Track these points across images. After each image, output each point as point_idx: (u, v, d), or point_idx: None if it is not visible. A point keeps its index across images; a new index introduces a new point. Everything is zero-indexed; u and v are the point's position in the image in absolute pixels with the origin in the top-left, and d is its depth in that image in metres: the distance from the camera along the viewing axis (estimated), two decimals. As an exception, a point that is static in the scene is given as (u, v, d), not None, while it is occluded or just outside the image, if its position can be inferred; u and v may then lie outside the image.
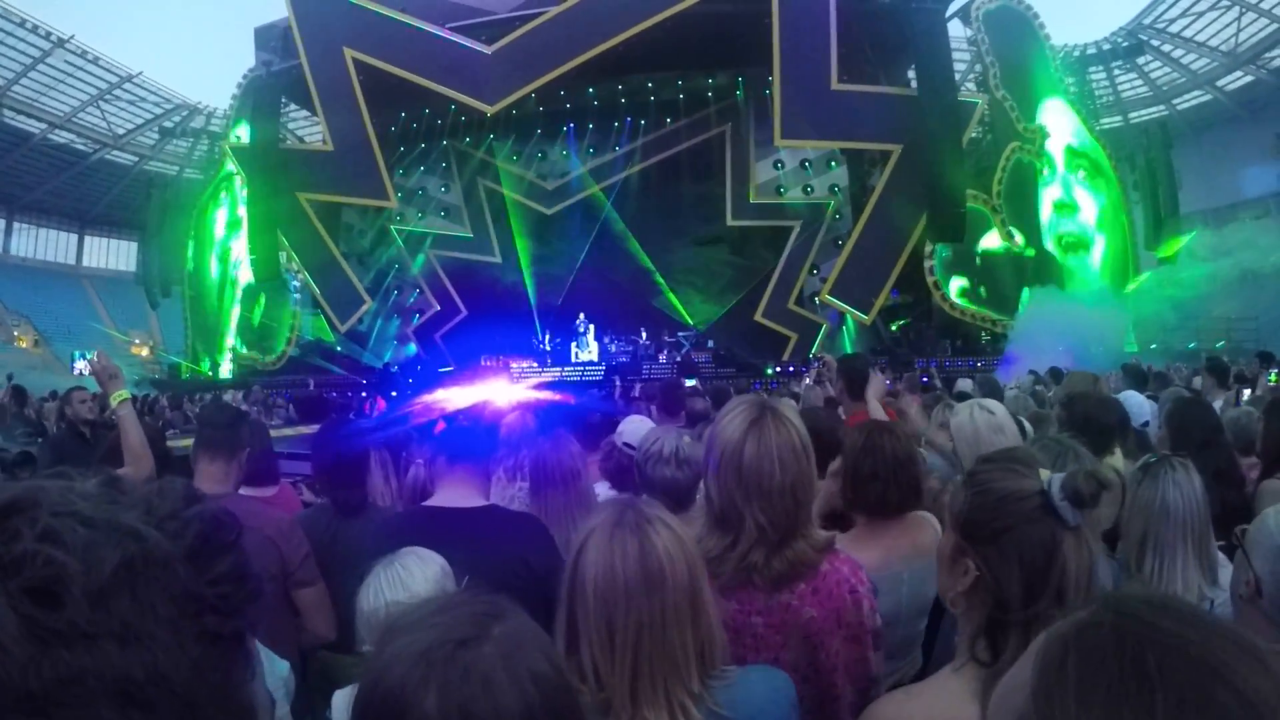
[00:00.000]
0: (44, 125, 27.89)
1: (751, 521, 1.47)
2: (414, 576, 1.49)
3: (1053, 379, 7.61)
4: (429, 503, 2.14)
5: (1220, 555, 1.82)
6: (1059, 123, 17.42)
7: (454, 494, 2.08)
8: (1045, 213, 16.58)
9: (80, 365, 9.77)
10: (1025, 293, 15.41)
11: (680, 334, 16.10)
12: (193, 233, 19.71)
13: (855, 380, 3.57)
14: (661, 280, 17.75)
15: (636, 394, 5.57)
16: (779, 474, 1.47)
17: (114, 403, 2.55)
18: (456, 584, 1.52)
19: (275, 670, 1.69)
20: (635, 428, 3.06)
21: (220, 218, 19.48)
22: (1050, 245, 16.46)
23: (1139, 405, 3.42)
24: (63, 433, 5.14)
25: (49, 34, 24.77)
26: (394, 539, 1.96)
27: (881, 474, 2.03)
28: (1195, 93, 26.85)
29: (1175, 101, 27.30)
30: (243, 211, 17.94)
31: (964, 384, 6.84)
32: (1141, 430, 3.25)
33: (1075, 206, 17.13)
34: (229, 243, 19.15)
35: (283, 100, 18.41)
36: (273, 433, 3.89)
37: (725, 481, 1.50)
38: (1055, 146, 17.11)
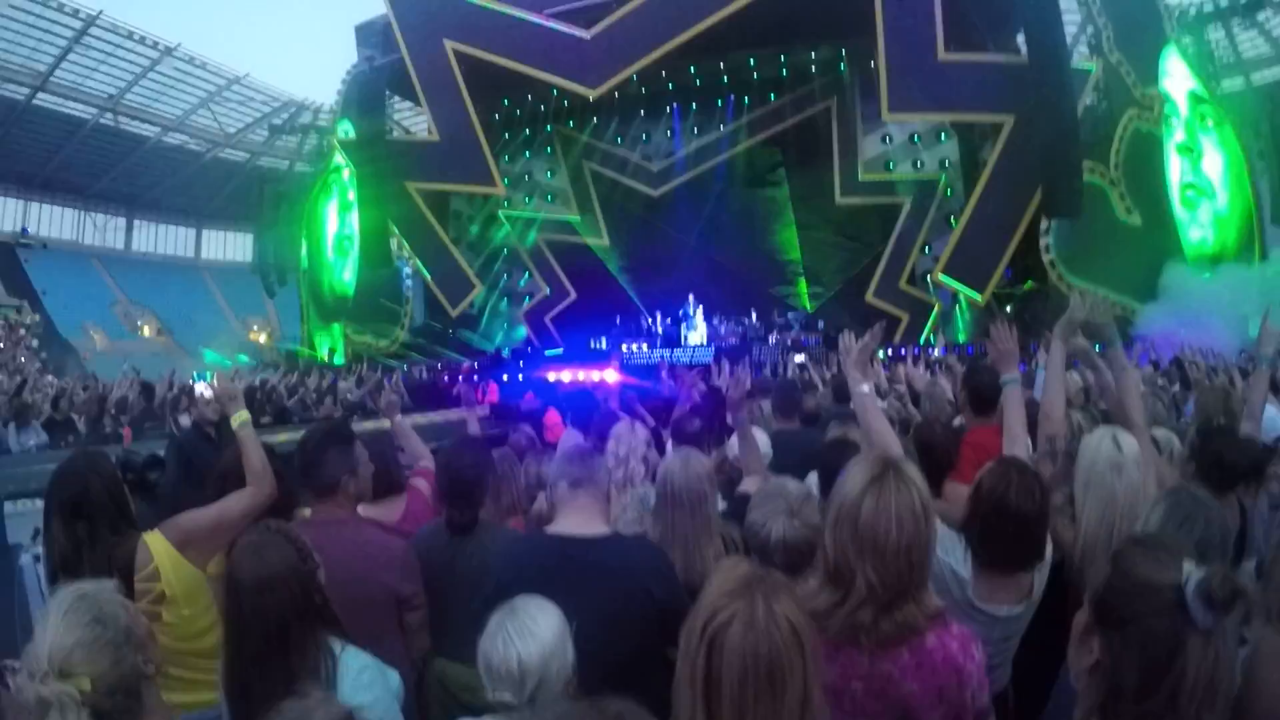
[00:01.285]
0: (158, 129, 29.73)
1: (863, 579, 1.46)
2: (540, 625, 1.53)
3: (1176, 371, 7.19)
4: (551, 529, 2.13)
5: None
6: (1179, 70, 16.34)
7: (576, 520, 2.07)
8: (1173, 164, 15.45)
9: (200, 387, 10.39)
10: (1158, 272, 14.56)
11: (790, 314, 15.97)
12: (305, 223, 20.62)
13: (982, 395, 3.33)
14: (794, 254, 17.48)
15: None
16: (895, 534, 1.45)
17: (234, 424, 2.54)
18: (568, 626, 1.57)
19: (389, 682, 1.75)
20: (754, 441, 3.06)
21: (331, 209, 20.31)
22: (1178, 207, 15.51)
23: (1271, 420, 3.26)
24: (189, 433, 5.21)
25: (156, 44, 26.27)
26: (521, 566, 2.06)
27: (1010, 533, 1.97)
28: (1324, 48, 24.83)
29: (1303, 59, 25.32)
30: (353, 198, 18.64)
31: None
32: (1270, 448, 2.99)
33: (1200, 152, 16.02)
34: (341, 231, 19.92)
35: (387, 93, 19.00)
36: (387, 422, 3.78)
37: (840, 537, 1.50)
38: (1177, 90, 15.99)
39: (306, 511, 2.54)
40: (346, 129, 18.89)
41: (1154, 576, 1.13)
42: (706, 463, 2.44)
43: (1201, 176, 15.97)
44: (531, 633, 1.51)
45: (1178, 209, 15.63)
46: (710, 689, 1.18)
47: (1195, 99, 16.16)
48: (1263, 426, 3.20)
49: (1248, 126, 17.60)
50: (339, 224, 20.00)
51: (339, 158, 19.83)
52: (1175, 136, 15.74)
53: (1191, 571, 1.11)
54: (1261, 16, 24.26)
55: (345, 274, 19.79)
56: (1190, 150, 15.84)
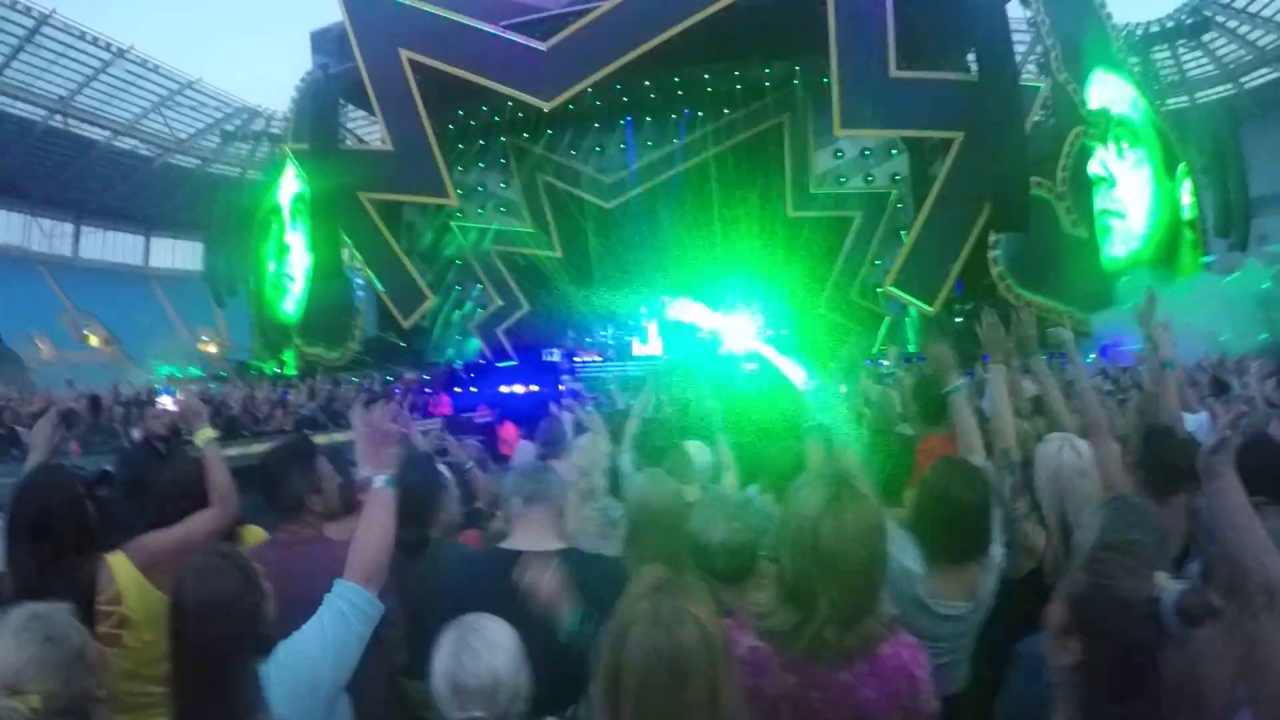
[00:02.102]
0: (108, 133, 29.00)
1: (825, 601, 1.46)
2: (499, 636, 1.52)
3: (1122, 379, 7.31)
4: (506, 544, 2.12)
5: None
6: (1106, 94, 16.77)
7: (530, 536, 2.09)
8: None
9: (164, 400, 10.12)
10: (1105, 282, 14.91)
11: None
12: (256, 233, 20.21)
13: (931, 405, 3.37)
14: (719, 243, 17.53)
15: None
16: (856, 554, 1.46)
17: (199, 442, 2.50)
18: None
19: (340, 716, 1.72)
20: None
21: (284, 217, 19.95)
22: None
23: (1200, 428, 3.23)
24: (137, 447, 5.17)
25: (109, 45, 25.70)
26: (475, 582, 2.05)
27: (954, 523, 2.04)
28: (1263, 70, 25.75)
29: (1243, 80, 26.24)
30: (289, 241, 18.43)
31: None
32: None
33: (1113, 180, 16.52)
34: (280, 270, 19.62)
35: (341, 101, 18.74)
36: (340, 436, 3.80)
37: (799, 560, 1.49)
38: (1099, 119, 16.46)
39: (257, 531, 2.49)
40: (299, 137, 18.60)
41: (1131, 592, 1.19)
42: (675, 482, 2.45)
43: (1116, 201, 16.42)
44: (497, 644, 1.49)
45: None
46: (615, 684, 1.20)
47: (1115, 123, 16.59)
48: (1203, 431, 3.15)
49: (1190, 144, 18.20)
50: (276, 264, 19.72)
51: (280, 195, 19.50)
52: (1094, 167, 16.14)
53: (1165, 585, 1.16)
54: (1207, 38, 25.19)
55: (288, 306, 19.49)
56: (1103, 180, 16.28)
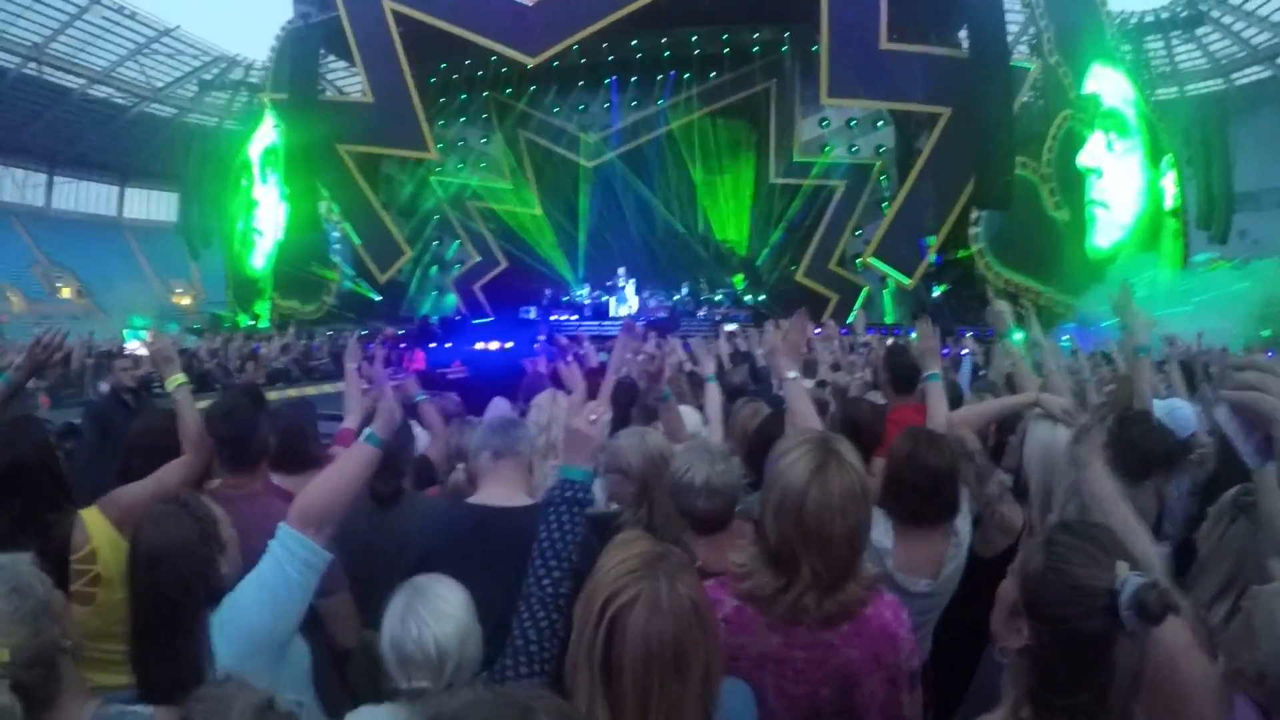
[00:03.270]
0: (83, 80, 28.25)
1: (808, 567, 1.46)
2: (451, 604, 1.47)
3: (1103, 361, 7.30)
4: (474, 499, 2.10)
5: None
6: (1103, 87, 16.79)
7: (498, 491, 2.06)
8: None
9: (132, 345, 9.95)
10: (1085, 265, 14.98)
11: (720, 291, 15.99)
12: (232, 184, 19.86)
13: (902, 375, 3.39)
14: (700, 208, 17.43)
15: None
16: (840, 522, 1.45)
17: (170, 387, 2.42)
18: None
19: (295, 663, 1.68)
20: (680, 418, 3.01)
21: (253, 171, 19.61)
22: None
23: (1186, 418, 3.26)
24: (106, 400, 5.01)
25: (85, -11, 24.95)
26: (441, 536, 2.02)
27: (922, 486, 2.09)
28: (1255, 68, 25.89)
29: (1234, 76, 26.36)
30: (257, 196, 18.10)
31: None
32: (1184, 443, 3.03)
33: (1100, 172, 16.60)
34: (261, 197, 19.27)
35: (321, 52, 18.37)
36: (311, 389, 3.70)
37: (784, 526, 1.48)
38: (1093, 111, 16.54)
39: (215, 482, 2.41)
40: (277, 87, 18.22)
41: (1087, 579, 1.13)
42: (661, 440, 2.39)
43: (1101, 191, 16.39)
44: (445, 613, 1.44)
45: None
46: (611, 671, 1.14)
47: (1103, 116, 16.61)
48: (1175, 420, 3.22)
49: (1178, 135, 18.27)
50: (244, 220, 19.42)
51: (250, 148, 19.11)
52: (1081, 158, 16.12)
53: (1125, 575, 1.10)
54: (1200, 31, 25.23)
55: (256, 261, 19.24)
56: (1090, 171, 16.29)
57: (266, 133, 18.95)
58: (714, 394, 3.20)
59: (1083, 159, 16.03)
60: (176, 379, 2.43)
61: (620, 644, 1.14)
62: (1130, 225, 16.69)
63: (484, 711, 0.87)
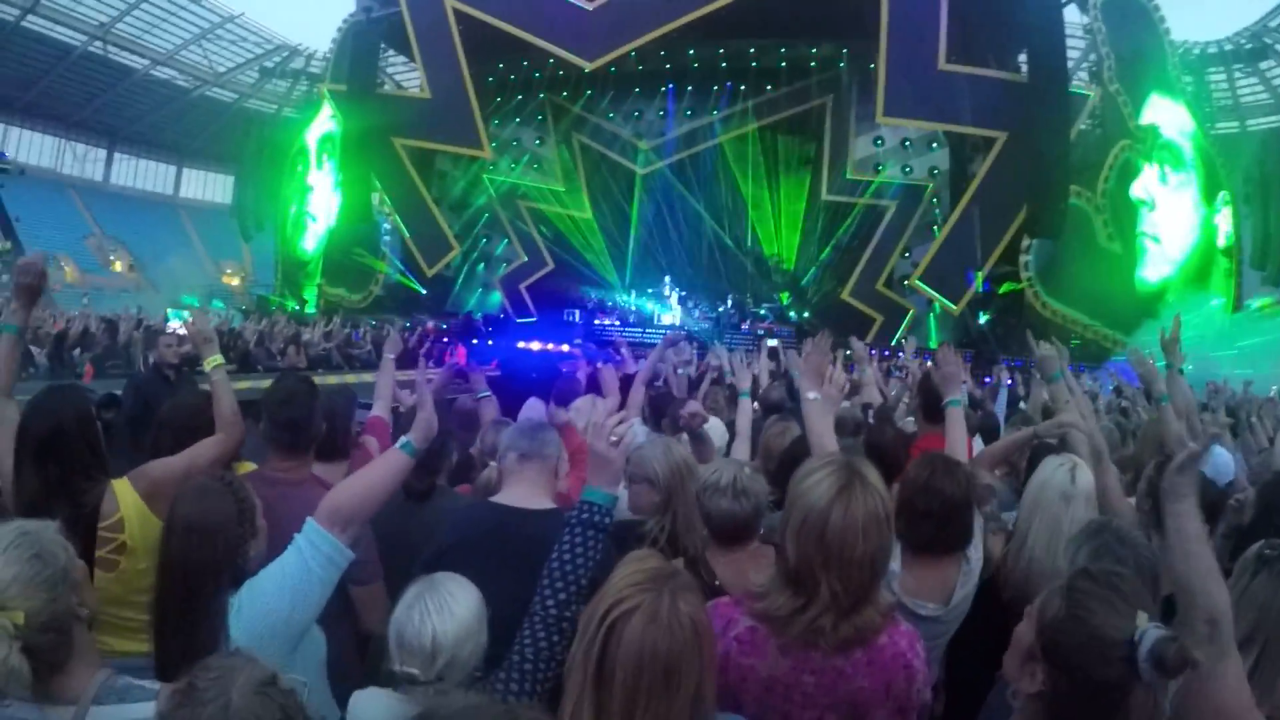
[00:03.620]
0: (147, 61, 29.03)
1: (827, 589, 1.45)
2: (459, 604, 1.49)
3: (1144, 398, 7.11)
4: (495, 499, 2.11)
5: None
6: (1160, 118, 16.43)
7: (520, 493, 2.07)
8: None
9: (174, 325, 10.20)
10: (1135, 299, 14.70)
11: (764, 305, 15.93)
12: (288, 169, 20.24)
13: (933, 404, 3.28)
14: (750, 220, 17.37)
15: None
16: (861, 545, 1.45)
17: (207, 368, 2.46)
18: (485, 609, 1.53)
19: (310, 653, 1.71)
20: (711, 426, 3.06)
21: (309, 157, 19.95)
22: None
23: (1225, 465, 3.20)
24: (148, 374, 5.12)
25: (152, -26, 25.61)
26: (461, 533, 2.04)
27: (936, 515, 2.05)
28: (1320, 104, 25.18)
29: (1298, 112, 25.64)
30: (311, 182, 18.40)
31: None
32: (1223, 491, 2.96)
33: (1153, 205, 16.24)
34: (315, 182, 19.60)
35: (382, 46, 18.68)
36: (351, 377, 3.73)
37: (805, 546, 1.47)
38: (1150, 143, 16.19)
39: (248, 464, 2.46)
40: (338, 78, 18.55)
41: (1107, 630, 1.12)
42: (685, 451, 2.42)
43: (1153, 224, 16.15)
44: (450, 610, 1.47)
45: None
46: (602, 677, 1.16)
47: (1160, 145, 16.31)
48: (1216, 467, 3.19)
49: (1237, 171, 17.83)
50: (298, 204, 19.72)
51: (309, 134, 19.44)
52: (1134, 189, 15.89)
53: (1145, 627, 1.10)
54: (1264, 65, 24.60)
55: (308, 244, 19.54)
56: (1144, 203, 16.05)
57: (324, 120, 19.27)
58: (746, 409, 3.22)
59: (1136, 190, 15.78)
60: (214, 359, 2.46)
61: (614, 651, 1.16)
62: (1180, 261, 16.38)
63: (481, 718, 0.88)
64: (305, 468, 2.34)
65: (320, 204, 19.22)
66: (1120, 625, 1.12)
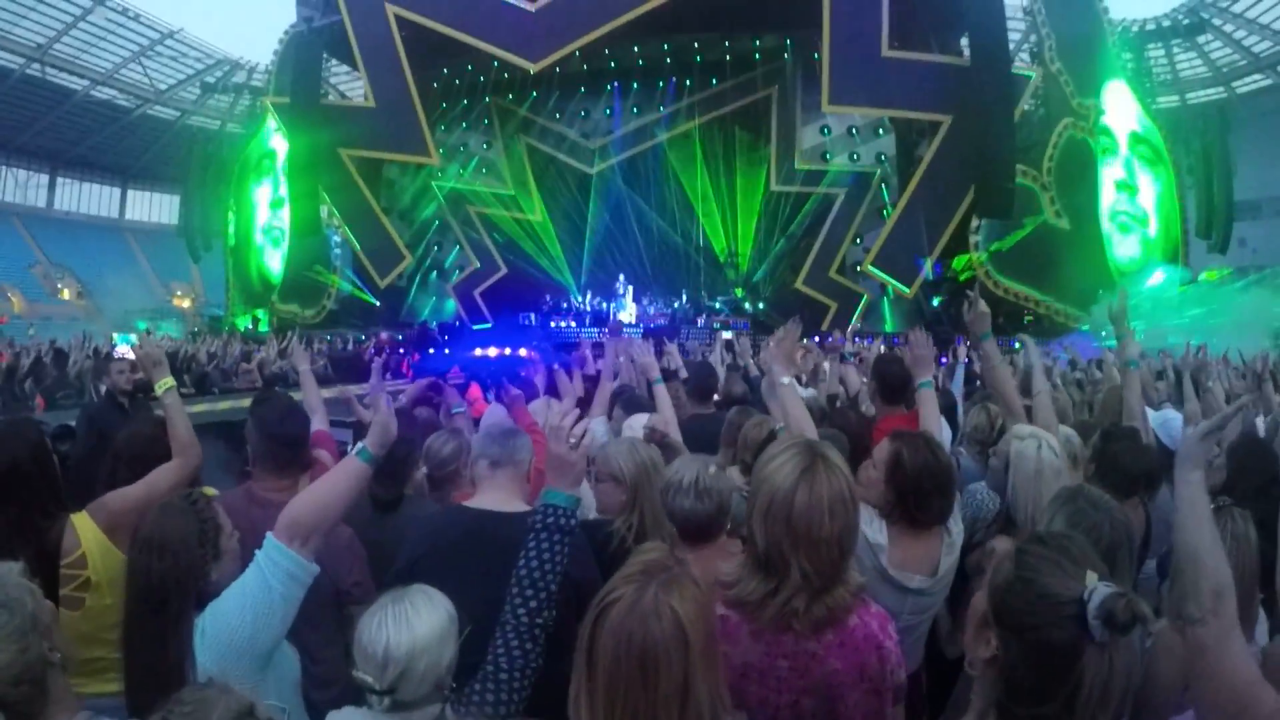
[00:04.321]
0: (86, 82, 28.39)
1: (797, 569, 1.46)
2: (420, 618, 1.45)
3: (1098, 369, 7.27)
4: (470, 503, 2.10)
5: (1260, 612, 1.79)
6: (1122, 105, 16.90)
7: (494, 498, 2.06)
8: (1106, 191, 16.13)
9: (123, 349, 9.95)
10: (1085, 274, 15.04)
11: (720, 299, 15.98)
12: (234, 187, 19.86)
13: (890, 384, 3.37)
14: (701, 215, 17.45)
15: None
16: (828, 523, 1.46)
17: (159, 390, 2.41)
18: (460, 628, 1.49)
19: (283, 673, 1.68)
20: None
21: (263, 194, 19.59)
22: (1106, 224, 16.04)
23: (1179, 429, 3.29)
24: (101, 403, 5.00)
25: (88, -8, 24.98)
26: (436, 539, 2.01)
27: (925, 487, 2.07)
28: (1256, 76, 25.91)
29: (1235, 84, 26.37)
30: (284, 194, 18.01)
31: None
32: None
33: (1135, 188, 16.75)
34: (271, 223, 19.24)
35: (324, 56, 18.39)
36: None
37: (773, 528, 1.49)
38: (1119, 128, 16.68)
39: (211, 490, 2.35)
40: (280, 91, 18.21)
41: (1056, 588, 1.13)
42: (652, 449, 2.39)
43: (1137, 207, 16.70)
44: (409, 623, 1.44)
45: (1105, 225, 16.10)
46: (591, 666, 1.18)
47: (1135, 139, 16.75)
48: (1169, 431, 3.28)
49: (1179, 144, 18.26)
50: (269, 214, 19.25)
51: (274, 141, 19.06)
52: (1114, 172, 16.32)
53: (1095, 585, 1.10)
54: (1202, 39, 25.24)
55: (274, 264, 19.08)
56: (1127, 186, 16.53)
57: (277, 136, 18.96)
58: (662, 395, 3.23)
59: (1116, 172, 16.19)
60: (165, 383, 2.42)
61: (599, 639, 1.17)
62: (1156, 238, 16.91)
63: None
64: (298, 487, 2.26)
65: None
66: (1069, 585, 1.12)
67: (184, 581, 1.59)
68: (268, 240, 19.35)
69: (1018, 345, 3.08)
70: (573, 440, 1.65)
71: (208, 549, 1.64)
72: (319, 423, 3.15)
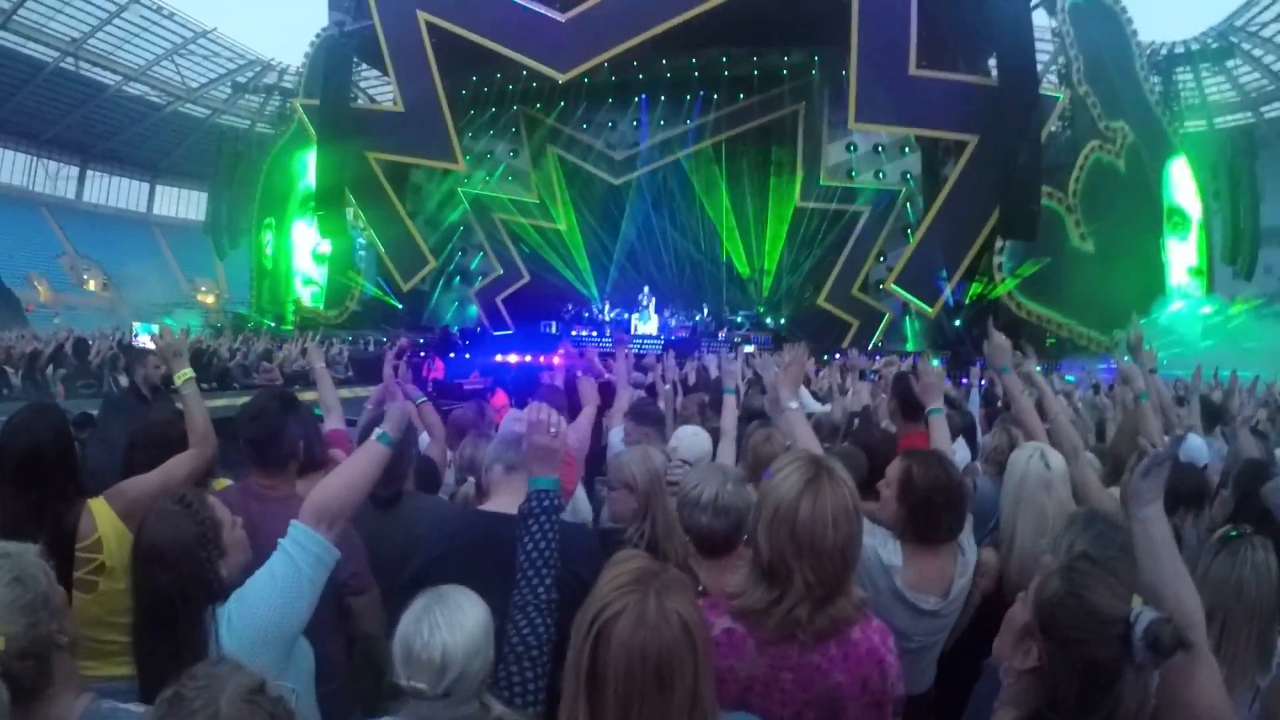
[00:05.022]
0: (119, 78, 28.81)
1: (800, 579, 1.48)
2: (468, 617, 1.45)
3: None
4: (485, 507, 2.10)
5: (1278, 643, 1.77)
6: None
7: (509, 501, 2.02)
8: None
9: (144, 339, 10.08)
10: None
11: (741, 313, 15.98)
12: (262, 186, 20.07)
13: (911, 402, 3.31)
14: (723, 229, 17.48)
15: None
16: (832, 534, 1.48)
17: (178, 381, 2.44)
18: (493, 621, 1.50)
19: (301, 663, 1.68)
20: (690, 442, 2.99)
21: (304, 222, 19.75)
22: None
23: (1197, 449, 3.28)
24: (125, 392, 5.08)
25: (124, -12, 25.40)
26: (452, 540, 2.01)
27: (937, 502, 2.07)
28: (1285, 101, 25.66)
29: (1263, 109, 26.11)
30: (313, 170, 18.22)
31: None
32: (1203, 472, 3.06)
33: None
34: (298, 198, 19.44)
35: (355, 60, 18.59)
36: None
37: (777, 538, 1.50)
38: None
39: (225, 482, 2.44)
40: (310, 94, 18.43)
41: (1106, 607, 1.15)
42: (661, 459, 2.41)
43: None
44: (460, 624, 1.43)
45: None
46: (595, 683, 1.15)
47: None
48: (1186, 454, 3.22)
49: (1205, 168, 18.13)
50: (296, 187, 19.46)
51: (301, 121, 19.25)
52: (1188, 259, 17.15)
53: (1140, 610, 1.12)
54: (1230, 63, 25.04)
55: (307, 300, 19.41)
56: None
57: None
58: (730, 406, 3.19)
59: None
60: (185, 373, 2.45)
61: (604, 656, 1.15)
62: (1195, 265, 17.05)
63: None
64: (288, 484, 2.28)
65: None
66: (1117, 604, 1.15)
67: (189, 588, 1.58)
68: (303, 281, 19.66)
69: (1005, 368, 3.06)
70: (552, 430, 1.73)
71: (210, 550, 1.63)
72: (334, 422, 3.19)
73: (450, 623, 1.42)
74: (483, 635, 1.45)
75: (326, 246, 18.42)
